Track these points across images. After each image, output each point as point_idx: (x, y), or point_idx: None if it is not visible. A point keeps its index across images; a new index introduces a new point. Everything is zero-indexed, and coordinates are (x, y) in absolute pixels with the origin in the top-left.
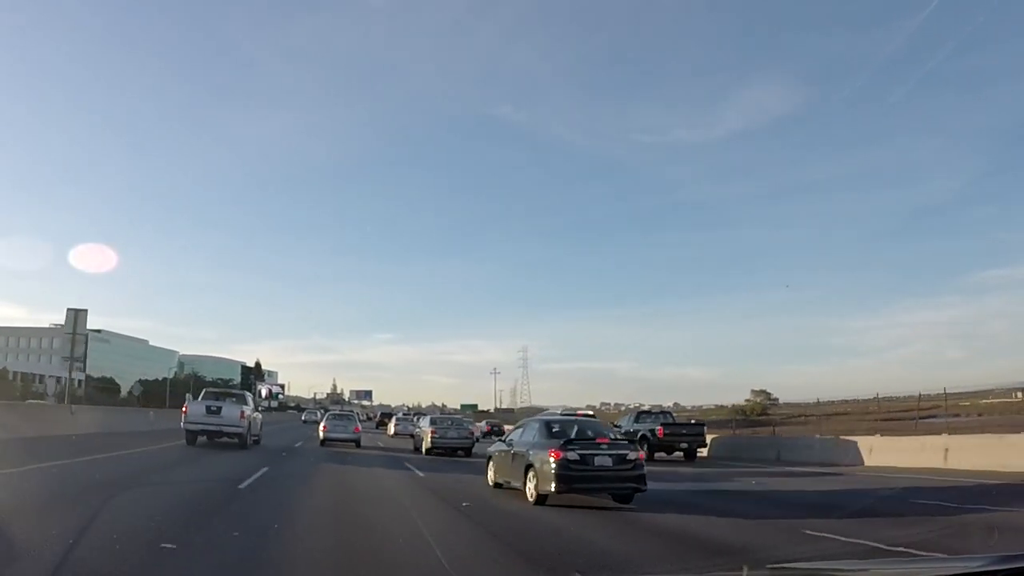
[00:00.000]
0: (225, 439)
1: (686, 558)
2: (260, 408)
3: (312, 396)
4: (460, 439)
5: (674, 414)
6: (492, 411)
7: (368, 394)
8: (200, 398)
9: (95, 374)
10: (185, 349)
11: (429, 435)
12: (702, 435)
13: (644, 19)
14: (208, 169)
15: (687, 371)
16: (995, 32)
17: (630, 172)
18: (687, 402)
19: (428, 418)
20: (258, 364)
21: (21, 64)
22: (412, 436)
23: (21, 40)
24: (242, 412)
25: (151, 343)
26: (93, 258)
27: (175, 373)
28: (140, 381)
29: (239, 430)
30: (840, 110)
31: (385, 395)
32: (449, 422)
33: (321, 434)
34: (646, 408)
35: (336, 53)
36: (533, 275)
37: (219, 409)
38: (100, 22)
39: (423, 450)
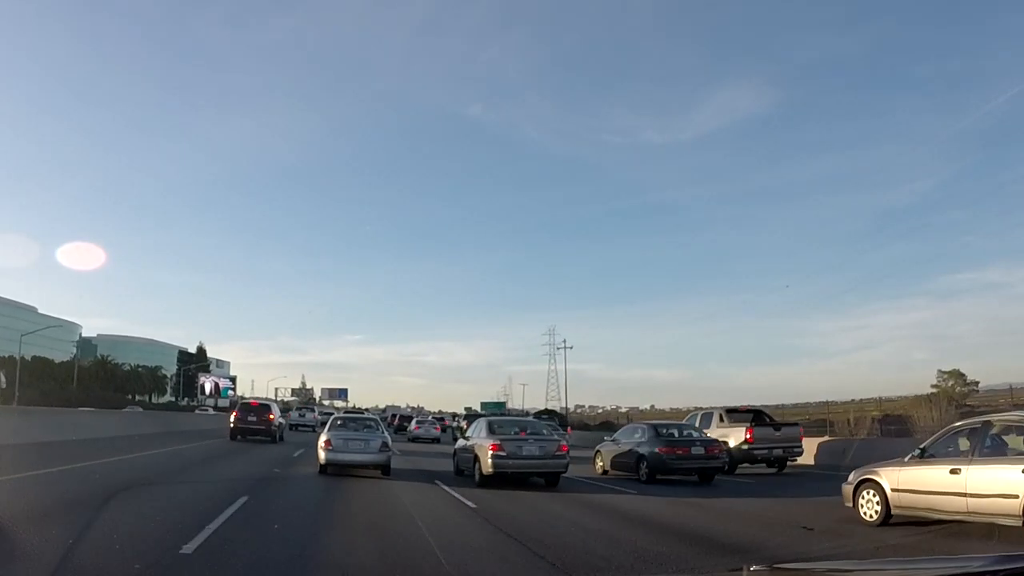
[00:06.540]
0: (308, 430)
1: None
2: (204, 408)
3: (274, 393)
4: (544, 459)
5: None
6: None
7: (343, 392)
8: (294, 410)
9: None
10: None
11: (489, 453)
12: (565, 422)
13: (615, 21)
14: (175, 169)
15: (655, 372)
16: (964, 38)
17: (600, 174)
18: (664, 404)
19: (483, 422)
20: (201, 351)
21: None
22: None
23: None
24: (314, 416)
25: (41, 311)
26: (65, 257)
27: (74, 355)
28: None
29: (313, 423)
30: (810, 114)
31: (355, 396)
32: (517, 429)
33: (321, 454)
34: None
35: (304, 55)
36: (502, 277)
37: (305, 414)
38: (67, 23)
39: (476, 476)
